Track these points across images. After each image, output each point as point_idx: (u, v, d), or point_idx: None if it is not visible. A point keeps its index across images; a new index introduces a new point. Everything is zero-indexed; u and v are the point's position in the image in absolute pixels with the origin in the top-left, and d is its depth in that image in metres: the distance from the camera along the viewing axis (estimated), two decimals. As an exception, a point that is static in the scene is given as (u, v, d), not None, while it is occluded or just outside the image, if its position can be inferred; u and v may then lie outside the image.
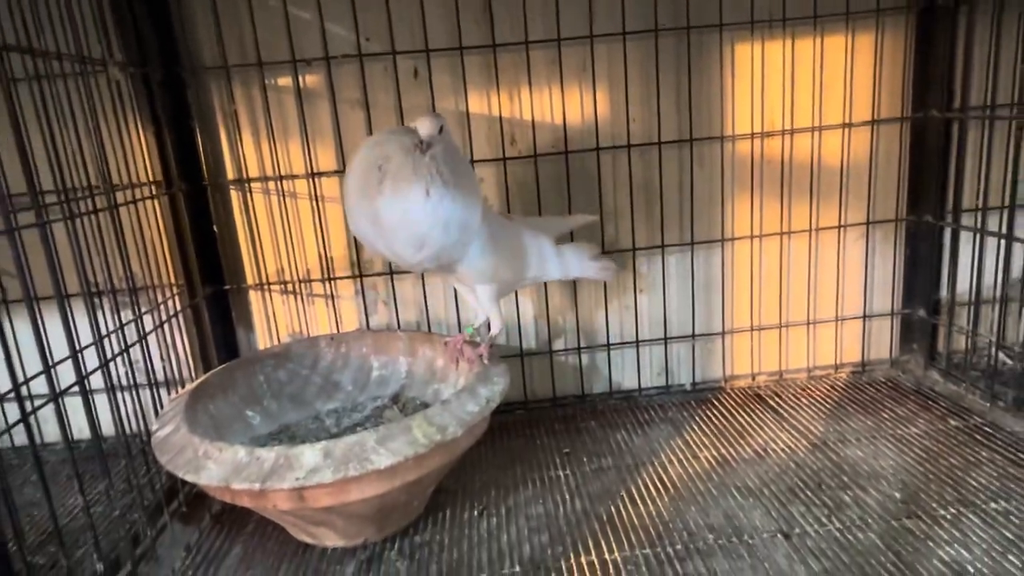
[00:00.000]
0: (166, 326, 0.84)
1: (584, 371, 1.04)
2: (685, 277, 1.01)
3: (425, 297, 0.99)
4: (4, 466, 0.56)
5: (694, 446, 0.87)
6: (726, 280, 1.01)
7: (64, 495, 0.82)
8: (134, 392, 0.76)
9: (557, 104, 0.93)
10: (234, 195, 0.95)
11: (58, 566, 0.65)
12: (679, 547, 0.67)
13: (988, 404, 0.89)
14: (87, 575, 0.65)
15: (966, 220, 0.94)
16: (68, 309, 0.61)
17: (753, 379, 1.05)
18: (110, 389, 0.69)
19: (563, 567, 0.66)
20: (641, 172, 0.96)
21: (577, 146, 0.94)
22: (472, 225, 0.71)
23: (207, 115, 0.92)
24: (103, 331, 0.68)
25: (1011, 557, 0.62)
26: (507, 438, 0.94)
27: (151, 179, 0.87)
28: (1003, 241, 0.85)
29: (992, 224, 0.88)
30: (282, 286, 0.98)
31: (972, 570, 0.61)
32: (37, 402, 0.60)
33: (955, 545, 0.64)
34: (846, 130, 0.96)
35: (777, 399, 0.99)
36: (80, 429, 0.62)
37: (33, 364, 0.59)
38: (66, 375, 0.61)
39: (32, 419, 0.59)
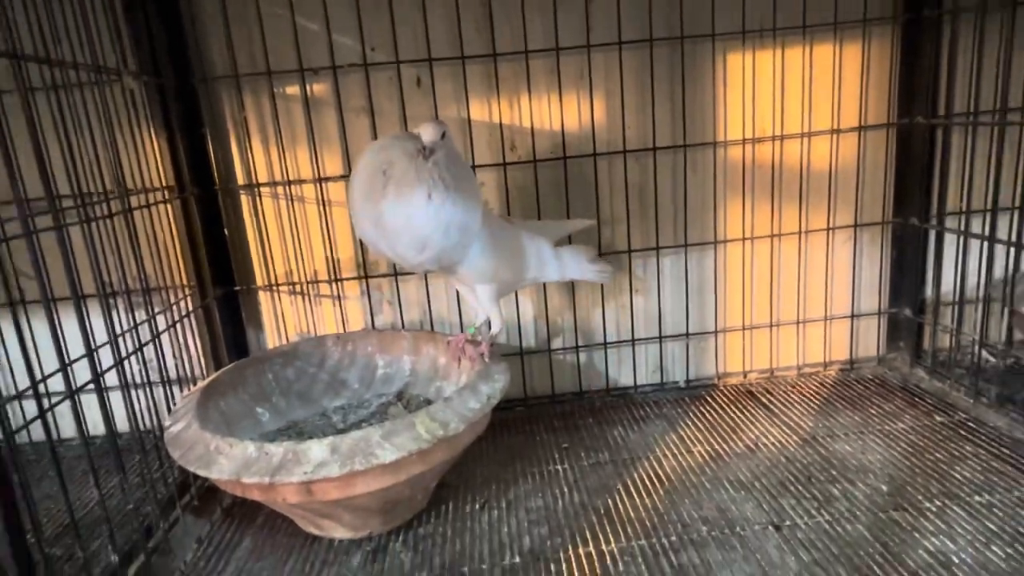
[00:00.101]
0: (178, 326, 0.85)
1: (582, 369, 1.04)
2: (679, 278, 1.01)
3: (428, 297, 0.99)
4: (22, 461, 0.57)
5: (688, 441, 0.87)
6: (719, 281, 1.01)
7: (80, 489, 0.82)
8: (148, 390, 0.76)
9: (555, 111, 0.93)
10: (244, 199, 0.95)
11: (74, 558, 0.65)
12: (674, 538, 0.67)
13: (972, 400, 0.89)
14: (102, 566, 0.65)
15: (950, 223, 0.94)
16: (84, 309, 0.61)
17: (745, 376, 1.05)
18: (124, 387, 0.69)
19: (562, 558, 0.66)
20: (637, 177, 0.96)
21: (575, 152, 0.94)
22: (472, 228, 0.71)
23: (218, 122, 0.92)
24: (118, 331, 0.68)
25: (994, 548, 0.62)
26: (508, 434, 0.94)
27: (164, 184, 0.87)
28: (986, 243, 0.85)
29: (975, 226, 0.88)
30: (290, 287, 0.98)
31: (957, 560, 0.61)
32: (54, 399, 0.60)
33: (940, 536, 0.64)
34: (834, 136, 0.96)
35: (768, 396, 0.99)
36: (95, 425, 0.62)
37: (50, 362, 0.60)
38: (82, 373, 0.61)
39: (49, 415, 0.59)
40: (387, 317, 1.00)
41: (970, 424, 0.85)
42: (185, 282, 0.90)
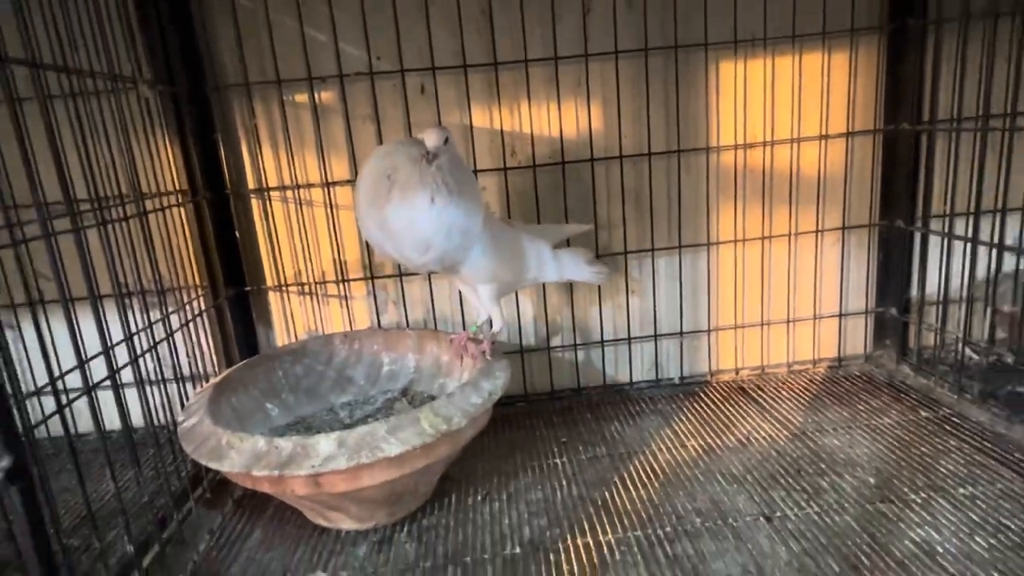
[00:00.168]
0: (191, 325, 0.85)
1: (580, 366, 1.04)
2: (673, 278, 1.01)
3: (432, 297, 0.99)
4: (41, 455, 0.57)
5: (682, 436, 0.87)
6: (711, 281, 1.01)
7: (97, 482, 0.82)
8: (162, 386, 0.76)
9: (554, 118, 0.93)
10: (254, 203, 0.95)
11: (91, 548, 0.65)
12: (668, 529, 0.67)
13: (956, 396, 0.89)
14: (118, 556, 0.64)
15: (934, 225, 0.94)
16: (100, 309, 0.61)
17: (737, 373, 1.05)
18: (140, 383, 0.69)
19: (560, 548, 0.66)
20: (632, 181, 0.96)
21: (573, 157, 0.94)
22: (474, 230, 0.71)
23: (230, 129, 0.92)
24: (133, 329, 0.68)
25: (978, 538, 0.62)
26: (508, 429, 0.94)
27: (177, 188, 0.87)
28: (969, 244, 0.85)
29: (959, 228, 0.88)
30: (299, 287, 0.98)
31: (941, 550, 0.61)
32: (72, 395, 0.60)
33: (926, 527, 0.64)
34: (823, 141, 0.96)
35: (759, 392, 0.99)
36: (111, 420, 0.62)
37: (68, 360, 0.60)
38: (98, 370, 0.61)
39: (67, 411, 0.59)
40: (392, 316, 1.00)
41: (954, 419, 0.85)
42: (198, 282, 0.90)
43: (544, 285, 0.99)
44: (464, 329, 0.88)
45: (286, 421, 0.83)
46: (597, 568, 0.63)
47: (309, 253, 0.96)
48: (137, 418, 0.68)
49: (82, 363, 0.59)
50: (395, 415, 0.65)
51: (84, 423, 0.66)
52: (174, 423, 0.75)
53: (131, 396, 0.65)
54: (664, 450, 0.84)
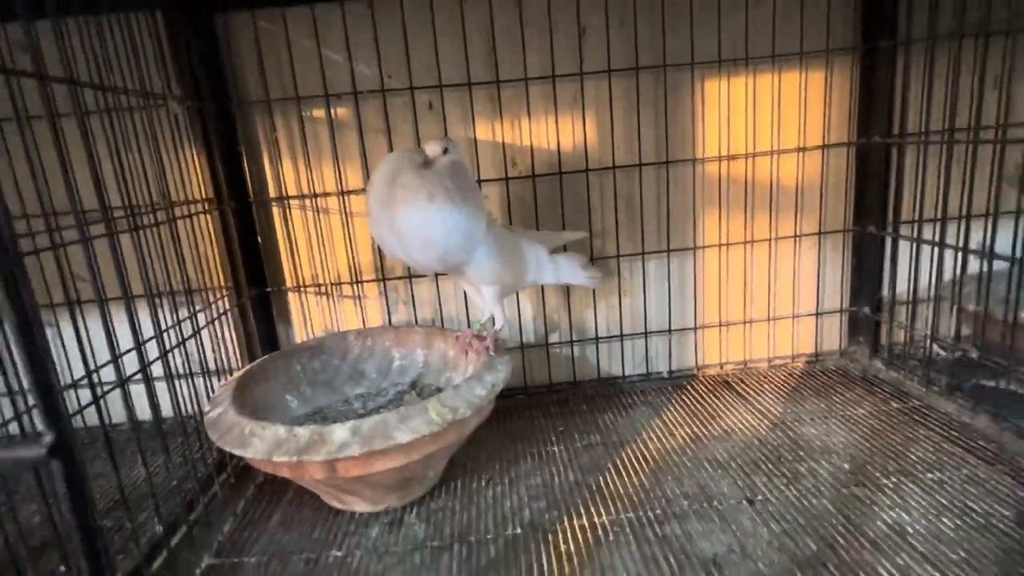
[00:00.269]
0: (217, 323, 0.85)
1: (576, 361, 1.04)
2: (662, 280, 1.01)
3: (439, 298, 0.99)
4: (78, 443, 0.57)
5: (671, 425, 0.87)
6: (698, 282, 1.01)
7: (129, 468, 0.82)
8: (189, 379, 0.76)
9: (552, 132, 0.93)
10: (275, 210, 0.95)
11: (124, 528, 0.65)
12: (658, 511, 0.67)
13: (924, 389, 0.89)
14: (148, 536, 0.65)
15: (904, 230, 0.93)
16: (133, 308, 0.61)
17: (721, 368, 1.05)
18: (169, 377, 0.69)
19: (558, 529, 0.66)
20: (624, 190, 0.96)
21: (569, 167, 0.94)
22: (476, 233, 0.71)
23: (252, 142, 0.92)
24: (163, 327, 0.68)
25: (944, 519, 0.62)
26: (510, 419, 0.94)
27: (204, 197, 0.87)
28: (936, 248, 0.85)
29: (927, 233, 0.88)
30: (316, 288, 0.98)
31: (911, 531, 0.60)
32: (106, 387, 0.60)
33: (896, 509, 0.64)
34: (800, 153, 0.96)
35: (742, 385, 0.99)
36: (143, 411, 0.62)
37: (103, 356, 0.60)
38: (130, 365, 0.61)
39: (102, 402, 0.59)
40: (402, 315, 1.00)
41: (923, 410, 0.85)
42: (223, 284, 0.90)
43: (543, 286, 0.99)
44: (469, 327, 0.88)
45: (304, 411, 0.83)
46: (592, 547, 0.63)
47: (325, 257, 0.96)
48: (166, 409, 0.68)
49: (116, 358, 0.59)
50: (405, 406, 0.65)
51: (117, 414, 0.66)
52: (201, 414, 0.75)
53: (161, 389, 0.65)
54: (654, 439, 0.84)
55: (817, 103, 0.95)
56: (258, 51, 0.87)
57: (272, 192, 0.94)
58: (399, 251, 0.70)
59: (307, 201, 0.94)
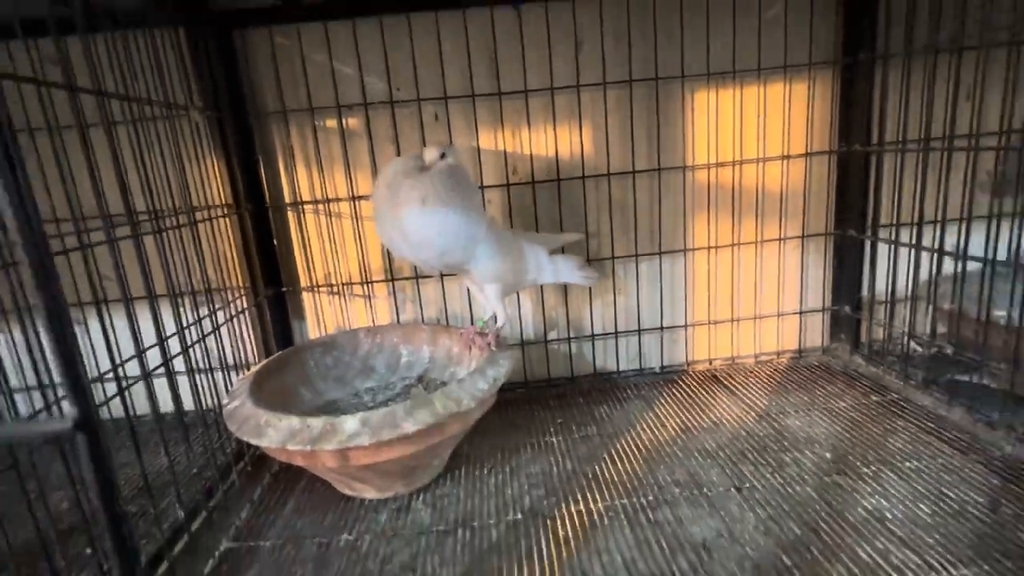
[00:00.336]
0: (235, 320, 0.85)
1: (573, 357, 1.04)
2: (654, 280, 1.00)
3: (444, 297, 0.99)
4: (107, 432, 0.57)
5: (663, 417, 0.87)
6: (688, 282, 1.01)
7: (152, 457, 0.82)
8: (209, 374, 0.76)
9: (550, 141, 0.93)
10: (290, 215, 0.95)
11: (147, 514, 0.65)
12: (651, 498, 0.67)
13: (902, 383, 0.89)
14: (170, 521, 0.65)
15: (883, 234, 0.93)
16: (156, 306, 0.61)
17: (710, 363, 1.05)
18: (190, 371, 0.69)
19: (556, 514, 0.66)
20: (618, 195, 0.96)
21: (566, 174, 0.94)
22: (473, 234, 0.71)
23: (269, 150, 0.92)
24: (184, 324, 0.68)
25: (922, 506, 0.61)
26: (511, 412, 0.93)
27: (223, 202, 0.87)
28: (913, 251, 0.84)
29: (904, 237, 0.88)
30: (329, 288, 0.98)
31: (890, 516, 0.60)
32: (130, 380, 0.60)
33: (876, 496, 0.64)
34: (784, 161, 0.96)
35: (730, 379, 0.98)
36: (165, 403, 0.62)
37: (128, 352, 0.60)
38: (155, 361, 0.61)
39: (126, 394, 0.59)
40: (410, 314, 1.00)
41: (901, 403, 0.85)
42: (240, 284, 0.90)
43: (542, 286, 0.99)
44: (472, 324, 0.88)
45: (317, 404, 0.83)
46: (588, 531, 0.62)
47: (337, 258, 0.96)
48: (187, 401, 0.68)
49: (140, 352, 0.59)
50: (412, 399, 0.65)
51: (141, 406, 0.66)
52: (220, 406, 0.75)
53: (182, 383, 0.65)
54: (647, 430, 0.84)
55: (800, 113, 0.95)
56: (274, 65, 0.88)
57: (287, 197, 0.94)
58: (405, 251, 0.71)
59: (320, 206, 0.94)
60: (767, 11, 0.90)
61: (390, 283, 0.98)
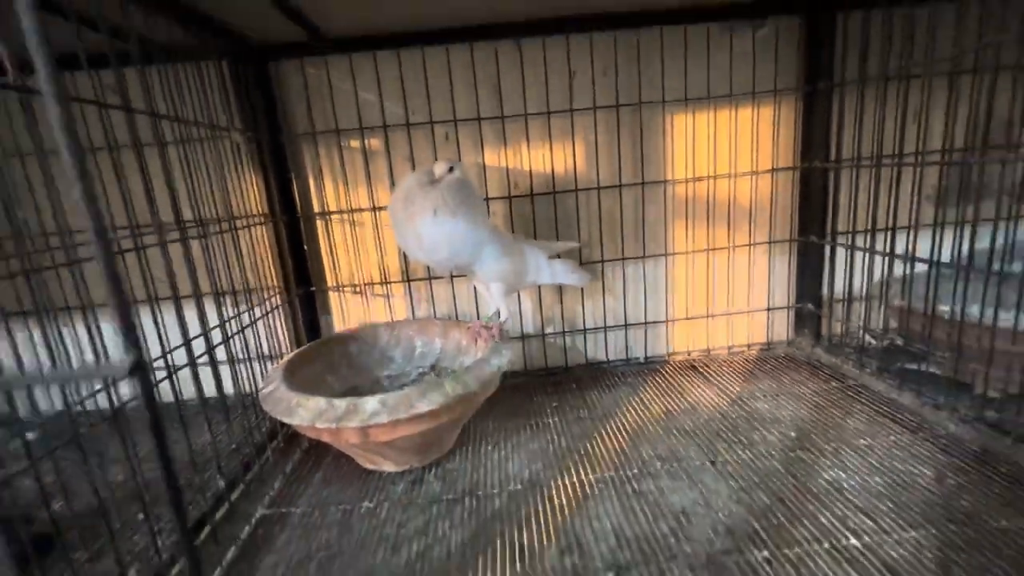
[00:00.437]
0: (270, 316, 0.85)
1: (567, 349, 1.04)
2: (639, 281, 1.01)
3: (454, 296, 0.99)
4: (159, 411, 0.57)
5: (646, 401, 0.87)
6: (668, 283, 1.01)
7: (196, 435, 0.82)
8: (247, 364, 0.76)
9: (547, 158, 0.93)
10: (319, 223, 0.95)
11: (193, 484, 0.65)
12: (636, 471, 0.67)
13: (859, 371, 0.89)
14: (212, 491, 0.65)
15: (841, 240, 0.93)
16: (200, 303, 0.61)
17: (689, 354, 1.05)
18: (231, 360, 0.69)
19: (552, 484, 0.66)
20: (607, 206, 0.96)
21: (561, 188, 0.95)
22: (481, 239, 0.72)
23: (300, 167, 0.92)
24: (225, 318, 0.69)
25: (876, 477, 0.61)
26: (512, 397, 0.93)
27: (260, 212, 0.87)
28: (867, 254, 0.85)
29: (860, 242, 0.88)
30: (352, 288, 0.98)
31: (847, 487, 0.60)
32: (178, 367, 0.61)
33: (835, 469, 0.64)
34: (753, 176, 0.96)
35: (706, 368, 0.98)
36: (208, 389, 0.63)
37: (176, 341, 0.60)
38: (199, 351, 0.61)
39: (174, 378, 0.59)
40: (424, 310, 1.00)
41: (857, 388, 0.85)
42: (275, 284, 0.91)
43: (540, 287, 0.99)
44: (478, 319, 0.88)
45: (341, 389, 0.83)
46: (580, 500, 0.62)
47: (360, 262, 0.97)
48: (228, 387, 0.68)
49: (187, 342, 0.60)
50: (425, 383, 0.65)
51: (187, 390, 0.66)
52: (256, 390, 0.75)
53: (224, 371, 0.66)
54: (633, 412, 0.84)
55: (767, 134, 0.95)
56: (305, 92, 0.88)
57: (316, 208, 0.94)
58: (419, 254, 0.71)
59: (345, 216, 0.94)
60: (738, 46, 0.91)
61: (406, 284, 0.98)
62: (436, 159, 0.92)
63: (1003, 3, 0.64)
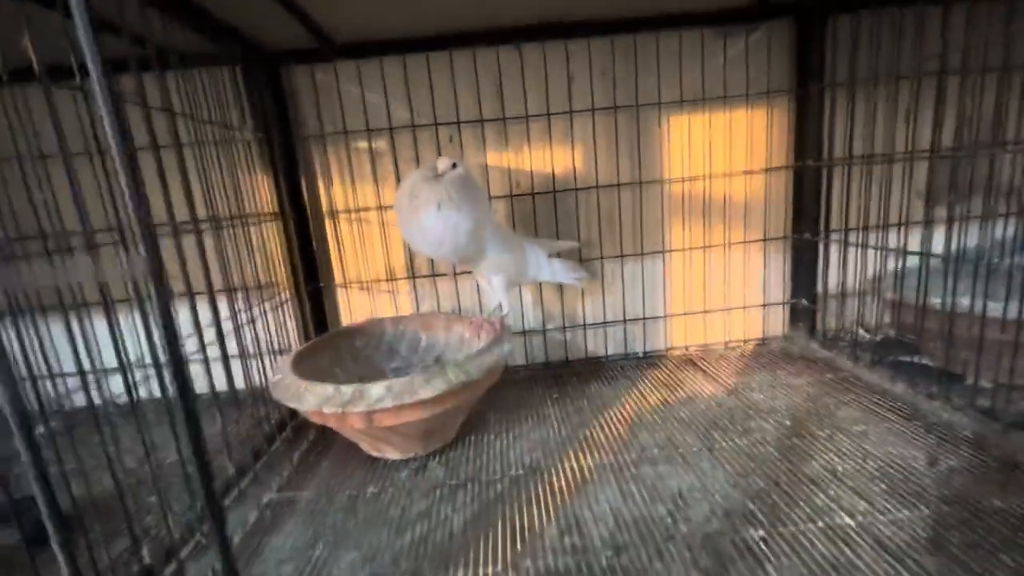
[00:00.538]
0: (279, 310, 0.86)
1: (568, 343, 1.04)
2: (637, 277, 1.01)
3: (457, 292, 1.00)
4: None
5: (645, 393, 0.87)
6: (666, 279, 1.01)
7: (208, 425, 0.82)
8: (258, 358, 0.77)
9: (548, 158, 0.94)
10: (327, 222, 0.96)
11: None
12: (634, 456, 0.67)
13: (852, 364, 0.88)
14: (224, 477, 0.65)
15: (834, 236, 0.94)
16: (213, 298, 0.62)
17: (686, 349, 1.05)
18: (242, 355, 0.70)
19: (553, 470, 0.66)
20: (606, 205, 0.97)
21: (561, 187, 0.95)
22: (483, 233, 0.72)
23: (309, 167, 0.94)
24: (237, 311, 0.69)
25: (869, 461, 0.61)
26: (514, 390, 0.93)
27: (271, 210, 0.88)
28: (860, 250, 0.85)
29: (852, 238, 0.88)
30: (359, 284, 0.99)
31: (841, 470, 0.60)
32: (192, 357, 0.61)
33: (829, 454, 0.64)
34: (748, 175, 0.97)
35: (703, 362, 0.98)
36: (220, 383, 0.63)
37: (190, 339, 0.60)
38: (211, 350, 0.61)
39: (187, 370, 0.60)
40: (428, 306, 1.00)
41: (851, 380, 0.84)
42: (285, 280, 0.92)
43: (541, 284, 0.99)
44: (481, 313, 0.89)
45: (348, 381, 0.83)
46: (580, 484, 0.63)
47: (367, 259, 0.97)
48: (239, 381, 0.68)
49: (200, 333, 0.60)
50: (428, 371, 0.65)
51: (199, 386, 0.67)
52: (266, 384, 0.76)
53: (234, 364, 0.66)
54: (631, 403, 0.83)
55: (761, 134, 0.95)
56: (315, 95, 0.90)
57: (324, 207, 0.95)
58: (424, 247, 0.72)
59: (352, 214, 0.95)
60: (731, 49, 0.92)
61: (411, 280, 0.99)
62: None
63: (988, 5, 0.65)
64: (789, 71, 0.93)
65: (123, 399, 0.53)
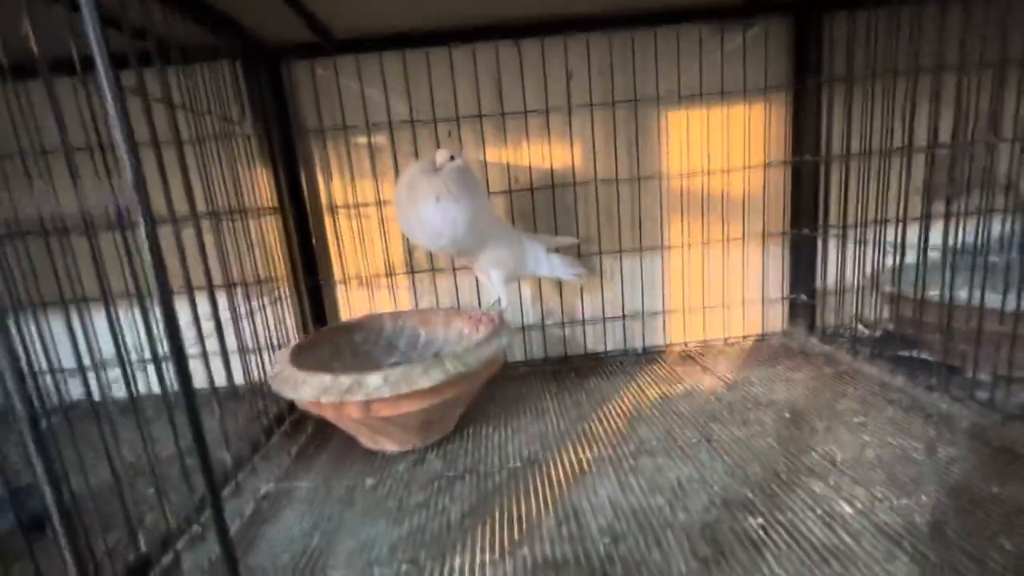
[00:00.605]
0: (279, 305, 0.86)
1: (567, 339, 1.03)
2: (636, 273, 1.01)
3: (456, 288, 1.00)
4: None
5: (643, 387, 0.87)
6: (665, 275, 1.01)
7: (207, 420, 0.82)
8: (257, 353, 0.76)
9: (546, 153, 0.94)
10: (326, 217, 0.96)
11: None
12: (632, 448, 0.67)
13: (852, 358, 0.88)
14: (221, 468, 0.65)
15: (833, 232, 0.94)
16: (212, 293, 0.62)
17: (685, 345, 1.04)
18: (241, 350, 0.70)
19: (551, 463, 0.66)
20: (604, 200, 0.97)
21: (560, 182, 0.95)
22: (481, 225, 0.72)
23: (309, 162, 0.94)
24: (235, 306, 0.69)
25: (868, 450, 0.61)
26: (513, 384, 0.93)
27: (270, 205, 0.88)
28: (858, 246, 0.85)
29: (851, 234, 0.88)
30: (358, 279, 0.99)
31: (839, 459, 0.60)
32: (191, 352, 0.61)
33: (828, 444, 0.63)
34: (746, 170, 0.97)
35: (702, 358, 0.98)
36: (219, 378, 0.63)
37: (189, 334, 0.60)
38: (210, 341, 0.61)
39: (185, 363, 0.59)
40: (427, 301, 1.00)
41: (850, 373, 0.84)
42: (284, 275, 0.91)
43: (540, 280, 0.99)
44: (479, 309, 0.89)
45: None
46: (578, 476, 0.62)
47: (366, 254, 0.97)
48: (237, 374, 0.68)
49: (199, 329, 0.60)
50: (427, 362, 0.65)
51: (197, 381, 0.67)
52: (264, 378, 0.75)
53: (234, 358, 0.66)
54: (630, 397, 0.83)
55: (759, 130, 0.95)
56: (314, 90, 0.90)
57: (324, 202, 0.95)
58: (423, 239, 0.72)
59: (351, 209, 0.95)
60: (729, 45, 0.92)
61: (410, 275, 0.99)
62: (439, 154, 0.93)
63: (984, 2, 0.65)
64: (787, 67, 0.93)
65: (122, 392, 0.53)
